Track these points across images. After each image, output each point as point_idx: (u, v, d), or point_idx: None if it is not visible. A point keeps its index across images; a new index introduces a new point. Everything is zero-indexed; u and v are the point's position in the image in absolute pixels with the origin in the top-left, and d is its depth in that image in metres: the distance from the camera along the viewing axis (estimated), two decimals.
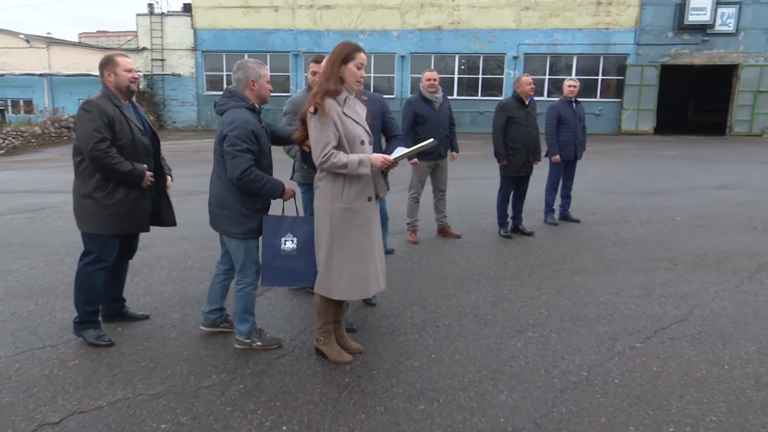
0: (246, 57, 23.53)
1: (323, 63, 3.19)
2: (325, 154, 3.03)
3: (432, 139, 3.34)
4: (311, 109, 3.05)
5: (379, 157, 3.14)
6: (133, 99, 3.76)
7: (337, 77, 3.09)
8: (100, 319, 3.74)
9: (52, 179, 11.06)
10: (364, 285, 3.24)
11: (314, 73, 4.15)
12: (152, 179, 3.70)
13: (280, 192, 3.38)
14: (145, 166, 3.63)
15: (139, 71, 24.20)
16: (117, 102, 3.55)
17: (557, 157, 6.93)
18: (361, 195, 3.17)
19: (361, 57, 3.14)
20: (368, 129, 3.25)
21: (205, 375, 3.23)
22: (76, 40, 50.14)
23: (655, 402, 2.97)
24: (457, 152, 6.37)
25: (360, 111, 3.24)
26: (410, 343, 3.65)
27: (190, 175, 10.50)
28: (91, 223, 3.57)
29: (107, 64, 3.57)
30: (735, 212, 7.65)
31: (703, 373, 3.27)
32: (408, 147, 5.93)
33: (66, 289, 4.65)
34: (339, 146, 3.08)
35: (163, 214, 3.87)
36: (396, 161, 3.19)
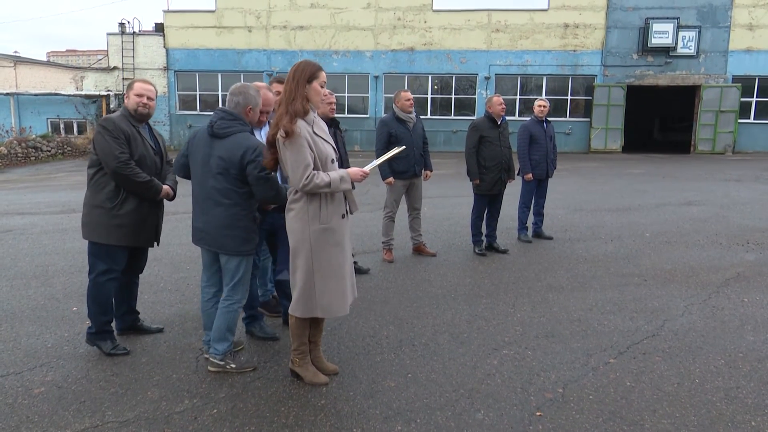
0: (219, 77, 23.70)
1: (284, 84, 3.12)
2: (308, 176, 3.00)
3: (403, 147, 3.38)
4: (282, 134, 2.99)
5: (358, 171, 3.17)
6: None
7: (304, 97, 3.06)
8: (112, 329, 3.83)
9: (17, 201, 10.77)
10: (344, 301, 3.25)
11: (278, 93, 4.14)
12: (171, 194, 3.91)
13: None
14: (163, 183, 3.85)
15: (109, 90, 23.75)
16: (133, 122, 3.74)
17: (530, 176, 7.04)
18: (336, 213, 3.18)
19: (324, 75, 3.15)
20: (335, 146, 3.28)
21: (177, 400, 3.16)
22: (44, 58, 49.29)
23: (629, 417, 3.00)
24: (431, 171, 6.42)
25: (325, 128, 3.26)
26: (386, 363, 3.63)
27: None
28: (97, 233, 3.69)
29: (127, 88, 3.83)
30: (701, 228, 7.85)
31: (675, 388, 3.32)
32: (380, 167, 6.01)
33: (31, 314, 4.52)
34: (314, 166, 3.07)
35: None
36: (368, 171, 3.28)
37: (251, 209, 3.45)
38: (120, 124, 3.67)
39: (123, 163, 3.59)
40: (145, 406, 3.09)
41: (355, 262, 5.60)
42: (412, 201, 6.34)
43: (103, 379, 3.41)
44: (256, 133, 3.73)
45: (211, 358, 3.52)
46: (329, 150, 3.16)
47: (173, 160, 3.81)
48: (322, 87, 3.14)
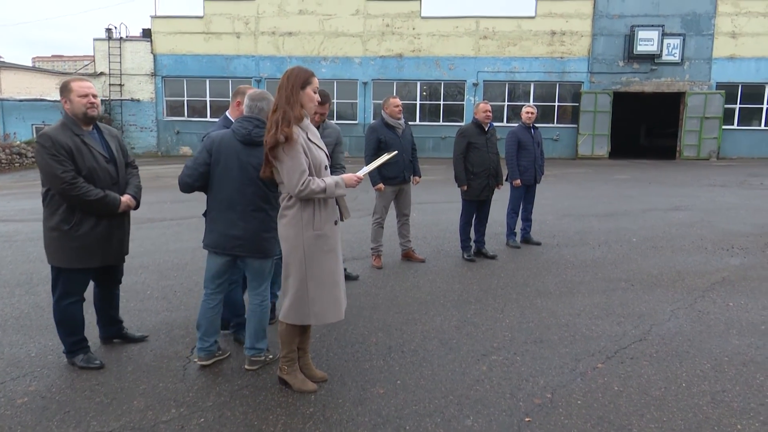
0: (207, 83, 23.54)
1: (277, 90, 3.10)
2: (303, 182, 3.00)
3: (395, 152, 3.40)
4: (281, 138, 2.98)
5: (352, 177, 3.19)
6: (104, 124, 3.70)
7: (299, 103, 3.07)
8: (87, 344, 3.69)
9: (1, 208, 10.62)
10: (337, 307, 3.25)
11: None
12: (133, 204, 3.65)
13: None
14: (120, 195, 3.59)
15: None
16: (77, 130, 3.44)
17: (518, 182, 7.07)
18: (330, 220, 3.19)
19: (316, 81, 3.17)
20: (327, 153, 3.29)
21: (163, 409, 3.12)
22: (29, 64, 48.75)
23: (617, 422, 3.00)
24: (420, 177, 6.43)
25: (318, 135, 3.28)
26: (375, 370, 3.62)
27: (150, 202, 10.21)
28: (57, 256, 3.48)
29: (63, 92, 3.48)
30: (686, 233, 7.92)
31: (662, 392, 3.34)
32: (369, 173, 6.00)
33: (15, 322, 4.45)
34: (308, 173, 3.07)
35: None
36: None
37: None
38: (59, 138, 3.34)
39: (68, 183, 3.31)
40: (131, 415, 3.05)
41: (344, 269, 5.59)
42: (401, 207, 6.34)
43: (87, 389, 3.36)
44: None
45: (252, 358, 3.60)
46: (323, 156, 3.18)
47: (187, 168, 3.50)
48: (315, 93, 3.15)
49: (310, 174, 3.06)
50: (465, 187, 6.36)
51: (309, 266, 3.13)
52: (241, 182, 3.41)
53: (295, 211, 3.11)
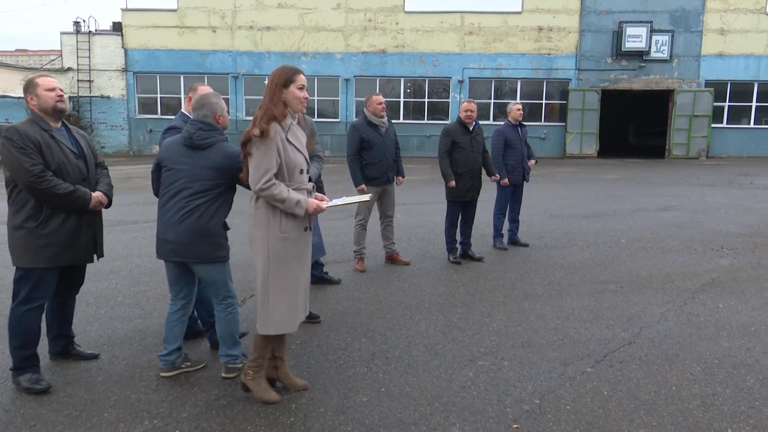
0: (182, 79, 23.01)
1: (265, 90, 3.11)
2: (266, 182, 2.97)
3: (370, 196, 3.45)
4: (256, 132, 2.95)
5: (313, 204, 3.12)
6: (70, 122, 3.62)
7: (281, 101, 3.05)
8: (37, 362, 3.45)
9: None
10: (293, 317, 3.18)
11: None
12: (105, 201, 3.56)
13: None
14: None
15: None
16: (45, 126, 3.39)
17: (506, 181, 6.97)
18: (299, 225, 3.13)
19: (302, 78, 3.12)
20: (307, 157, 3.24)
21: (135, 422, 3.01)
22: None
23: (607, 427, 2.96)
24: (403, 177, 6.31)
25: (301, 138, 3.21)
26: (359, 377, 3.54)
27: (121, 203, 9.97)
28: (23, 256, 3.34)
29: (28, 88, 3.43)
30: (676, 234, 7.90)
31: (652, 396, 3.29)
32: (351, 172, 5.90)
33: None
34: (278, 173, 3.03)
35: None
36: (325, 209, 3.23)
37: (222, 216, 3.40)
38: (27, 132, 3.29)
39: (37, 177, 3.22)
40: (102, 428, 2.94)
41: (325, 273, 5.50)
42: (385, 208, 6.22)
43: (55, 401, 3.23)
44: None
45: (228, 366, 3.49)
46: (299, 159, 3.12)
47: (151, 172, 3.51)
48: (301, 90, 3.11)
49: (281, 174, 3.03)
50: (453, 183, 6.23)
51: (272, 270, 3.08)
52: (182, 185, 3.33)
53: (263, 211, 3.07)
